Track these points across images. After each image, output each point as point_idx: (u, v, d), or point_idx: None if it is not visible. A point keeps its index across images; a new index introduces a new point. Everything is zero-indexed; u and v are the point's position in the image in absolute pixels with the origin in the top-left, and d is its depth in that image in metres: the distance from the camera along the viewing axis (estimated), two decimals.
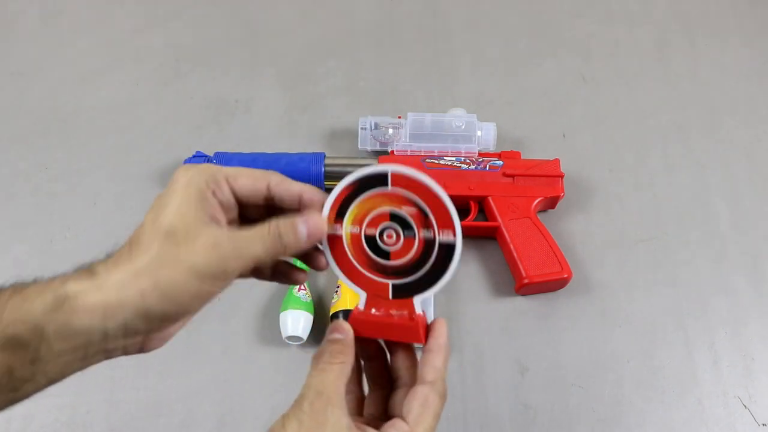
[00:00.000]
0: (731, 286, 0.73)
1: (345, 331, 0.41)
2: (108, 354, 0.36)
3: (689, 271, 0.73)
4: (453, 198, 0.75)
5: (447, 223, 0.40)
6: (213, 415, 0.66)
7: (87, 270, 0.36)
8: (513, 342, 0.69)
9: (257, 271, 0.43)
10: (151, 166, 0.79)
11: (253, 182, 0.40)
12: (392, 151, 0.77)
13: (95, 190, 0.78)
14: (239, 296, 0.71)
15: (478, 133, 0.77)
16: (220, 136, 0.82)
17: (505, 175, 0.74)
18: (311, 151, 0.76)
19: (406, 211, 0.40)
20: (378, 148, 0.78)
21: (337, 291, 0.69)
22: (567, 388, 0.67)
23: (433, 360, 0.40)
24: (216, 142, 0.81)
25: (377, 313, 0.41)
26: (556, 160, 0.75)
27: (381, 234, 0.41)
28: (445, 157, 0.75)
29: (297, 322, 0.66)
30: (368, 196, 0.41)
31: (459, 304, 0.71)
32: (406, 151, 0.76)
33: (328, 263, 0.43)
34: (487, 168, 0.74)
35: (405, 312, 0.41)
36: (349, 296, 0.68)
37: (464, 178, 0.74)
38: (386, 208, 0.40)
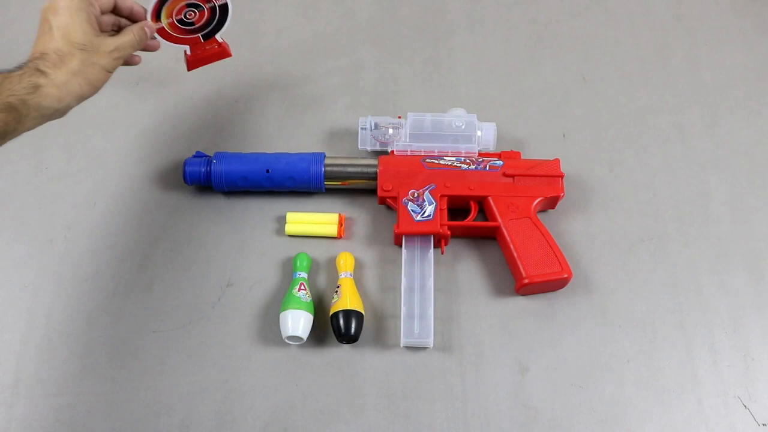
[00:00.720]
0: (731, 286, 0.73)
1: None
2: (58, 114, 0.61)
3: (689, 271, 0.73)
4: (453, 198, 0.76)
5: None
6: (213, 415, 0.66)
7: (40, 70, 0.57)
8: (513, 342, 0.69)
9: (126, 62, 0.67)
10: (151, 166, 0.80)
11: None
12: (392, 151, 0.77)
13: (95, 190, 0.78)
14: (239, 296, 0.72)
15: (478, 133, 0.77)
16: (220, 136, 0.82)
17: (505, 175, 0.74)
18: (311, 151, 0.76)
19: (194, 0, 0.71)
20: (378, 148, 0.78)
21: (337, 291, 0.69)
22: (567, 388, 0.67)
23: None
24: (216, 142, 0.81)
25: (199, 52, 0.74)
26: (556, 160, 0.75)
27: (185, 15, 0.71)
28: (445, 157, 0.75)
29: (297, 322, 0.66)
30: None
31: (459, 304, 0.71)
32: (406, 150, 0.76)
33: (158, 43, 0.71)
34: (487, 168, 0.74)
35: (215, 45, 0.74)
36: (349, 296, 0.68)
37: (464, 178, 0.74)
38: (183, 2, 0.70)
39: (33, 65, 0.58)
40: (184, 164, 0.75)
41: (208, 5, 0.71)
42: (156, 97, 0.85)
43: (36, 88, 0.57)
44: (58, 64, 0.58)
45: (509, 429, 0.65)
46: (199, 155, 0.76)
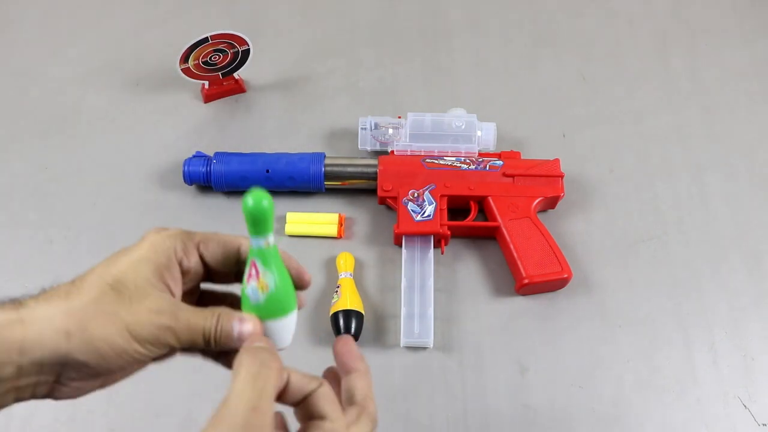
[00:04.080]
0: (731, 286, 0.73)
1: (246, 333, 0.39)
2: (18, 393, 0.34)
3: (689, 271, 0.73)
4: (453, 198, 0.75)
5: (241, 42, 0.76)
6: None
7: (16, 302, 0.35)
8: (513, 342, 0.69)
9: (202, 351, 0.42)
10: (151, 166, 0.79)
11: (224, 249, 0.40)
12: (392, 151, 0.76)
13: (95, 190, 0.78)
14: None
15: (478, 133, 0.77)
16: (220, 135, 0.82)
17: (505, 175, 0.74)
18: (311, 151, 0.76)
19: (221, 46, 0.75)
20: (378, 148, 0.78)
21: (337, 291, 0.69)
22: (567, 388, 0.67)
23: (356, 381, 0.40)
24: (216, 142, 0.81)
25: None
26: (556, 160, 0.75)
27: (210, 58, 0.76)
28: (445, 157, 0.75)
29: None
30: (200, 46, 0.74)
31: (459, 304, 0.71)
32: (406, 151, 0.76)
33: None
34: (487, 168, 0.74)
35: (232, 81, 0.82)
36: (349, 296, 0.68)
37: (464, 178, 0.74)
38: (210, 49, 0.75)
39: (18, 298, 0.36)
40: (184, 164, 0.75)
41: (232, 50, 0.76)
42: (156, 97, 0.85)
43: None
44: (54, 295, 0.35)
45: (509, 429, 0.65)
46: (199, 155, 0.76)
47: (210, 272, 0.41)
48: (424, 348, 0.69)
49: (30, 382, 0.34)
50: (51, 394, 0.36)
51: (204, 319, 0.38)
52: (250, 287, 0.39)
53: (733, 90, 0.86)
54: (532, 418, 0.66)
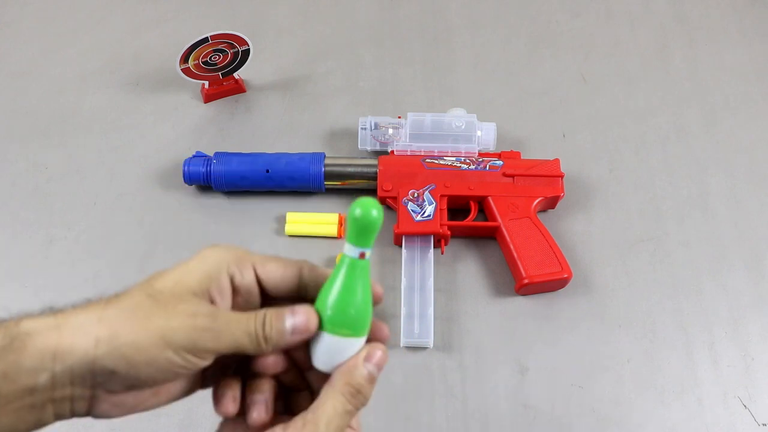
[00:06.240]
0: (731, 286, 0.73)
1: (380, 366, 0.38)
2: (56, 407, 0.33)
3: (689, 271, 0.73)
4: (453, 198, 0.75)
5: (241, 42, 0.75)
6: (213, 415, 0.65)
7: (57, 310, 0.34)
8: (513, 342, 0.69)
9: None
10: (151, 166, 0.80)
11: (283, 270, 0.38)
12: (392, 151, 0.76)
13: (95, 190, 0.78)
14: None
15: (478, 133, 0.77)
16: (220, 135, 0.82)
17: (505, 175, 0.74)
18: (311, 151, 0.76)
19: (221, 46, 0.75)
20: (378, 148, 0.78)
21: None
22: (567, 388, 0.67)
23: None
24: (216, 142, 0.81)
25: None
26: (556, 160, 0.75)
27: (210, 58, 0.76)
28: (445, 157, 0.75)
29: None
30: (200, 46, 0.74)
31: (459, 304, 0.71)
32: (406, 151, 0.76)
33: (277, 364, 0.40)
34: (487, 168, 0.74)
35: (232, 81, 0.82)
36: None
37: (464, 178, 0.74)
38: (210, 48, 0.74)
39: (58, 308, 0.35)
40: (184, 164, 0.75)
41: (232, 50, 0.76)
42: (156, 97, 0.85)
43: (14, 337, 0.32)
44: (94, 304, 0.34)
45: (509, 429, 0.65)
46: (199, 155, 0.76)
47: (266, 296, 0.39)
48: (424, 348, 0.69)
49: (66, 395, 0.33)
50: (90, 411, 0.34)
51: (248, 320, 0.35)
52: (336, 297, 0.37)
53: (733, 90, 0.86)
54: (532, 418, 0.66)
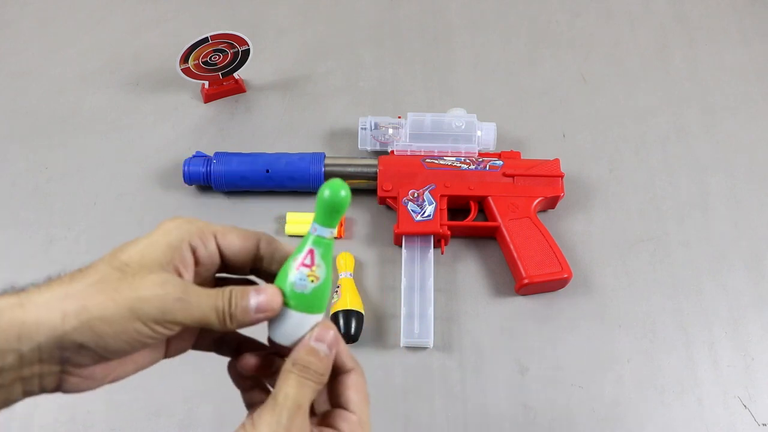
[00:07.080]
0: (731, 286, 0.73)
1: (331, 345, 0.38)
2: (25, 385, 0.33)
3: (689, 271, 0.73)
4: (453, 198, 0.75)
5: (241, 42, 0.76)
6: (213, 415, 0.66)
7: (18, 290, 0.34)
8: (513, 342, 0.69)
9: (200, 340, 0.41)
10: (151, 166, 0.80)
11: (243, 241, 0.39)
12: (392, 151, 0.76)
13: (95, 190, 0.78)
14: None
15: (478, 133, 0.77)
16: (220, 135, 0.82)
17: (505, 175, 0.74)
18: (311, 151, 0.76)
19: (221, 46, 0.75)
20: (378, 148, 0.78)
21: (337, 291, 0.69)
22: (567, 388, 0.67)
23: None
24: (216, 142, 0.81)
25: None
26: (556, 160, 0.75)
27: (210, 58, 0.76)
28: (445, 157, 0.75)
29: None
30: (200, 46, 0.74)
31: (459, 304, 0.71)
32: (406, 151, 0.76)
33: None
34: (487, 168, 0.74)
35: (232, 81, 0.82)
36: (349, 297, 0.68)
37: (464, 178, 0.74)
38: (210, 48, 0.75)
39: (21, 286, 0.35)
40: (184, 164, 0.75)
41: (232, 50, 0.77)
42: (156, 97, 0.85)
43: None
44: (58, 281, 0.35)
45: (509, 429, 0.65)
46: (199, 155, 0.76)
47: (226, 265, 0.39)
48: (424, 348, 0.69)
49: (34, 372, 0.33)
50: (60, 386, 0.35)
51: (216, 295, 0.36)
52: (299, 274, 0.37)
53: (733, 90, 0.86)
54: (532, 418, 0.66)
